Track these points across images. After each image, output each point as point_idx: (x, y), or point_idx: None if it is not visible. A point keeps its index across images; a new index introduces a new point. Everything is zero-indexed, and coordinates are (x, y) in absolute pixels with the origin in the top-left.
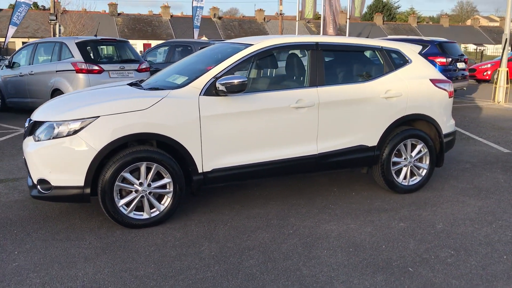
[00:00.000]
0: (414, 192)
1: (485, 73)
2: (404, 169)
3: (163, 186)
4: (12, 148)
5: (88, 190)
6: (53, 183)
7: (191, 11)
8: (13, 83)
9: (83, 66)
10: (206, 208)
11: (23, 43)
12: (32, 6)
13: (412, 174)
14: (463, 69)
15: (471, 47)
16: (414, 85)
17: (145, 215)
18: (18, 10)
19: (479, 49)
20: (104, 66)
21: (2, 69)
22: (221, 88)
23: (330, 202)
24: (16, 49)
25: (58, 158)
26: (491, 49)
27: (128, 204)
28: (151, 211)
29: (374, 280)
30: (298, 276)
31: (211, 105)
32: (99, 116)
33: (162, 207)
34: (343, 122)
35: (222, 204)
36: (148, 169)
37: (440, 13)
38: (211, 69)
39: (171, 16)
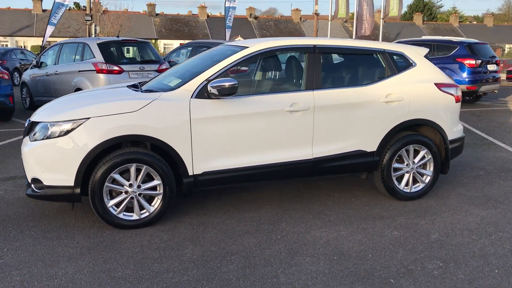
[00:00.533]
0: (416, 199)
1: None
2: (406, 176)
3: (153, 188)
4: None
5: (78, 190)
6: (45, 183)
7: (224, 12)
8: (40, 82)
9: (104, 66)
10: (199, 211)
11: None
12: (74, 6)
13: (415, 181)
14: (495, 71)
15: None
16: (417, 89)
17: (134, 216)
18: (56, 11)
19: None
20: (124, 67)
21: (31, 68)
22: (213, 91)
23: (327, 207)
24: None
25: (50, 158)
26: None
27: (118, 205)
28: (141, 212)
29: None
30: (274, 283)
31: (202, 107)
32: (89, 118)
33: (152, 209)
34: (340, 126)
35: (217, 206)
36: (138, 171)
37: (486, 12)
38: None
39: (208, 16)
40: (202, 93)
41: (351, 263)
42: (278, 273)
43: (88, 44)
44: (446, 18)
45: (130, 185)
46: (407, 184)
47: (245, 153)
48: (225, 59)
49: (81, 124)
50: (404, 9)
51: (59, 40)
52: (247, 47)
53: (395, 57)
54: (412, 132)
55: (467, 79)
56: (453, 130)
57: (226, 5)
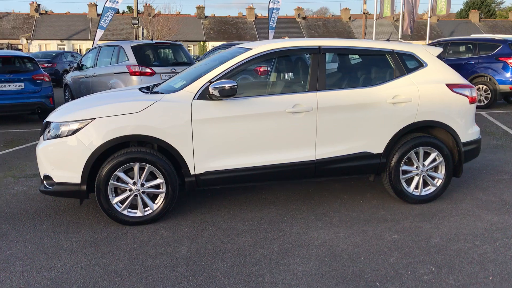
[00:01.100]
0: (427, 203)
1: None
2: (416, 178)
3: (157, 186)
4: None
5: (84, 187)
6: (55, 179)
7: (267, 12)
8: (81, 84)
9: (136, 68)
10: (204, 209)
11: None
12: (127, 10)
13: (426, 184)
14: None
15: None
16: (427, 90)
17: (138, 213)
18: (105, 15)
19: None
20: (156, 69)
21: (73, 70)
22: (214, 92)
23: (332, 209)
24: None
25: (59, 156)
26: None
27: (122, 202)
28: (145, 209)
29: None
30: (259, 282)
31: (204, 109)
32: (95, 118)
33: (155, 206)
34: (344, 127)
35: (222, 206)
36: (142, 170)
37: None
38: None
39: (256, 17)
40: (204, 94)
41: (340, 265)
42: (264, 272)
43: (123, 47)
44: (506, 15)
45: (134, 183)
46: (417, 187)
47: (247, 153)
48: (228, 61)
49: (87, 124)
50: (460, 6)
51: None
52: (251, 48)
53: (404, 57)
54: (422, 134)
55: (510, 79)
56: (468, 132)
57: (270, 6)
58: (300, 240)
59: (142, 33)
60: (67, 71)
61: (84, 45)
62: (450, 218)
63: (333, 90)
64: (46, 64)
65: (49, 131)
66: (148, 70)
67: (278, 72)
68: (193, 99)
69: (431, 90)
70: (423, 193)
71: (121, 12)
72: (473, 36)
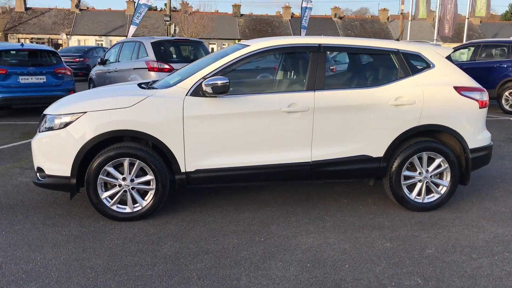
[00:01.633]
0: (430, 210)
1: None
2: (419, 185)
3: (147, 183)
4: None
5: (74, 181)
6: (47, 172)
7: (300, 11)
8: (104, 78)
9: (155, 64)
10: (198, 208)
11: None
12: (164, 7)
13: (429, 191)
14: None
15: None
16: (433, 93)
17: (127, 209)
18: (139, 11)
19: None
20: (174, 65)
21: (97, 65)
22: (207, 89)
23: (329, 213)
24: None
25: (51, 149)
26: None
27: (112, 197)
28: (134, 205)
29: None
30: (233, 285)
31: (196, 105)
32: (86, 112)
33: (144, 203)
34: (343, 129)
35: (216, 205)
36: (132, 165)
37: None
38: None
39: (292, 16)
40: (197, 91)
41: (322, 272)
42: (241, 276)
43: (143, 43)
44: None
45: (124, 179)
46: (419, 194)
47: (240, 153)
48: (223, 57)
49: (78, 117)
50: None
51: None
52: (249, 45)
53: (410, 57)
54: (427, 139)
55: None
56: (476, 138)
57: (303, 5)
58: (286, 244)
59: (174, 30)
60: None
61: None
62: (451, 228)
63: (332, 90)
64: (78, 59)
65: (42, 124)
66: (166, 66)
67: (277, 70)
68: (186, 95)
69: (437, 93)
70: (426, 201)
71: (158, 9)
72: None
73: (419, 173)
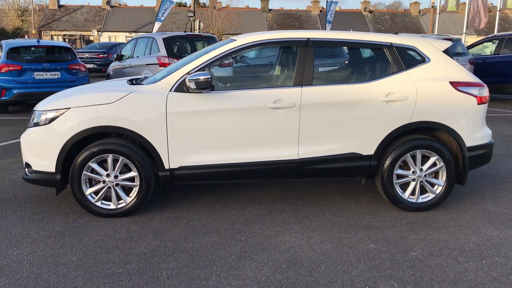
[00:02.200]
0: (423, 211)
1: None
2: (412, 184)
3: (131, 179)
4: None
5: (58, 177)
6: (34, 167)
7: (325, 6)
8: (120, 74)
9: (166, 60)
10: (185, 205)
11: None
12: (196, 3)
13: (424, 191)
14: None
15: None
16: (427, 88)
17: (112, 206)
18: (164, 8)
19: None
20: None
21: (114, 61)
22: (190, 84)
23: (318, 212)
24: None
25: (37, 144)
26: None
27: (96, 193)
28: (118, 202)
29: None
30: (202, 285)
31: (180, 101)
32: (69, 108)
33: (128, 200)
34: (331, 126)
35: (204, 202)
36: (115, 161)
37: None
38: None
39: (320, 10)
40: (181, 87)
41: (296, 273)
42: (212, 276)
43: (155, 39)
44: None
45: (108, 175)
46: (413, 194)
47: (225, 149)
48: (209, 52)
49: (62, 113)
50: None
51: None
52: (235, 40)
53: (404, 51)
54: (421, 136)
55: None
56: (475, 135)
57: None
58: (266, 243)
59: (199, 26)
60: None
61: None
62: (443, 229)
63: (321, 85)
64: (102, 55)
65: (31, 120)
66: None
67: (264, 65)
68: (170, 91)
69: (431, 88)
70: (420, 200)
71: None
72: None
73: (413, 172)
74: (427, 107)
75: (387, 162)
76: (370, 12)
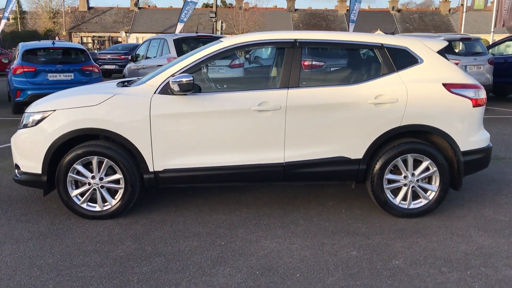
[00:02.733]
0: (415, 217)
1: None
2: (404, 189)
3: (117, 182)
4: None
5: (44, 178)
6: (22, 169)
7: (349, 5)
8: (135, 75)
9: None
10: (173, 208)
11: None
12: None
13: (417, 196)
14: None
15: None
16: (418, 90)
17: (97, 208)
18: (186, 9)
19: None
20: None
21: (129, 62)
22: (173, 86)
23: (306, 216)
24: None
25: (24, 146)
26: None
27: (82, 195)
28: (104, 204)
29: None
30: None
31: (164, 103)
32: (55, 110)
33: (113, 202)
34: (318, 129)
35: (194, 205)
36: (100, 164)
37: None
38: None
39: (347, 10)
40: (166, 89)
41: (268, 280)
42: (182, 282)
43: (166, 40)
44: None
45: (93, 177)
46: (404, 199)
47: (209, 152)
48: (194, 54)
49: (48, 115)
50: None
51: None
52: (222, 41)
53: (395, 52)
54: (413, 140)
55: None
56: (470, 139)
57: None
58: (246, 248)
59: (221, 26)
60: None
61: None
62: (432, 237)
63: (308, 88)
64: (123, 56)
65: (20, 121)
66: None
67: (250, 67)
68: (154, 93)
69: (423, 90)
70: (411, 206)
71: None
72: None
73: (404, 177)
74: (418, 110)
75: (377, 167)
76: (398, 11)
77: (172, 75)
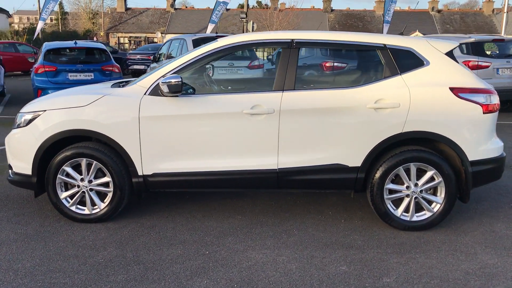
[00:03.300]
0: (419, 230)
1: None
2: (406, 200)
3: (106, 185)
4: None
5: (34, 179)
6: (14, 169)
7: (384, 5)
8: None
9: None
10: (166, 213)
11: None
12: (256, 4)
13: (420, 208)
14: None
15: None
16: (422, 95)
17: (86, 211)
18: (217, 9)
19: None
20: (214, 63)
21: (152, 62)
22: (163, 87)
23: (301, 226)
24: None
25: (16, 146)
26: None
27: (72, 197)
28: (93, 207)
29: None
30: None
31: (154, 105)
32: (45, 110)
33: (102, 205)
34: (313, 134)
35: (187, 211)
36: (89, 166)
37: None
38: None
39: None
40: (156, 90)
41: None
42: None
43: (185, 40)
44: None
45: (82, 180)
46: (407, 211)
47: (200, 156)
48: (187, 54)
49: (38, 116)
50: None
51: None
52: (217, 41)
53: (400, 54)
54: (416, 148)
55: None
56: (479, 148)
57: None
58: (230, 259)
59: (252, 27)
60: None
61: None
62: (433, 253)
63: (304, 90)
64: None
65: (16, 121)
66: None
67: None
68: (145, 94)
69: (427, 95)
70: (414, 219)
71: (250, 6)
72: None
73: (407, 187)
74: (422, 116)
75: (377, 175)
76: (438, 11)
77: (163, 76)
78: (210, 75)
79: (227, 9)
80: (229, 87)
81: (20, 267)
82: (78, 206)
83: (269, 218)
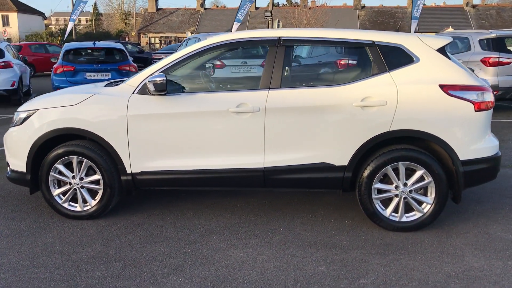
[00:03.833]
0: (409, 231)
1: None
2: (395, 200)
3: (97, 182)
4: None
5: (29, 177)
6: (11, 166)
7: (412, 0)
8: None
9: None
10: (157, 210)
11: None
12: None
13: (410, 209)
14: None
15: None
16: (411, 92)
17: (78, 208)
18: (242, 8)
19: None
20: (226, 61)
21: None
22: (149, 86)
23: (289, 225)
24: None
25: (12, 144)
26: None
27: (64, 194)
28: (85, 205)
29: None
30: None
31: (141, 104)
32: (38, 109)
33: (93, 203)
34: (299, 133)
35: (178, 208)
36: (80, 164)
37: None
38: None
39: None
40: (144, 89)
41: None
42: None
43: (200, 40)
44: None
45: (73, 177)
46: (396, 211)
47: (187, 155)
48: (176, 53)
49: (31, 115)
50: None
51: None
52: (206, 40)
53: (388, 50)
54: (405, 146)
55: None
56: (471, 147)
57: None
58: (210, 257)
59: (278, 25)
60: None
61: None
62: (418, 255)
63: (290, 88)
64: None
65: (13, 119)
66: (218, 62)
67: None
68: (133, 93)
69: (416, 92)
70: (404, 219)
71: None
72: None
73: (396, 187)
74: (410, 114)
75: (365, 175)
76: (473, 7)
77: (151, 75)
78: (209, 74)
79: (257, 8)
80: (220, 86)
81: (5, 262)
82: (71, 203)
83: (258, 217)
